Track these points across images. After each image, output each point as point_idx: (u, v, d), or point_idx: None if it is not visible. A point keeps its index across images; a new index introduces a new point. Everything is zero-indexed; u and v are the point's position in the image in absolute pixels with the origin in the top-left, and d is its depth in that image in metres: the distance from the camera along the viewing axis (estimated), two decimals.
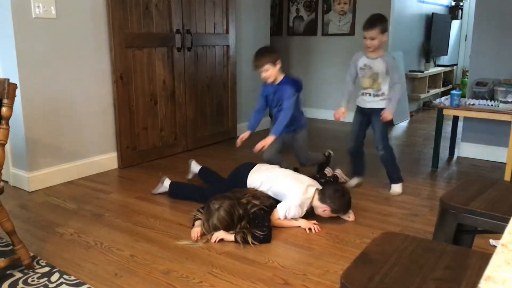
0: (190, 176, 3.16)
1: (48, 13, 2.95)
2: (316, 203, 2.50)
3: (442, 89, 7.01)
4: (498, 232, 1.43)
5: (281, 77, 2.92)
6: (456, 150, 4.01)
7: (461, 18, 7.82)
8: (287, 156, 3.13)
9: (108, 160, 3.49)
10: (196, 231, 2.34)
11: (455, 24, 7.73)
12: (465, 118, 3.80)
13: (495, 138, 3.74)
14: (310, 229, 2.42)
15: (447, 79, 7.33)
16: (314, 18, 5.64)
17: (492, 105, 3.33)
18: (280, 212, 2.44)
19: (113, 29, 3.30)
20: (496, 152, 3.75)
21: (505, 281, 0.56)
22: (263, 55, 2.87)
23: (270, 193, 2.55)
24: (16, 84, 1.85)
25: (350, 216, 2.57)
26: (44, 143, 3.08)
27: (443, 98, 3.75)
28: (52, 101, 3.07)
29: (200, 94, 4.15)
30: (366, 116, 2.97)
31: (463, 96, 3.64)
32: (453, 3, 7.56)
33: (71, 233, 2.41)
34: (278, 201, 2.50)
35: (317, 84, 5.72)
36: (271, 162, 2.87)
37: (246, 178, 2.67)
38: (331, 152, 3.43)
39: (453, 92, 3.45)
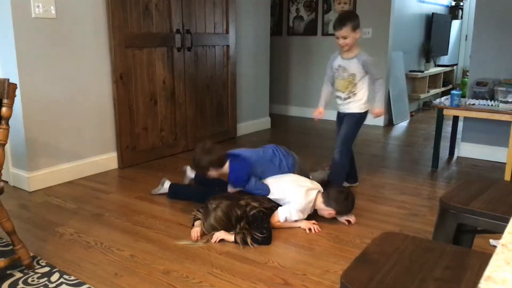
0: (187, 181, 3.13)
1: (48, 13, 2.95)
2: (321, 205, 2.50)
3: (442, 89, 7.01)
4: (498, 232, 1.43)
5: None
6: (456, 150, 4.01)
7: (461, 18, 7.82)
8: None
9: (108, 160, 3.49)
10: (196, 231, 2.34)
11: (455, 24, 7.74)
12: (465, 118, 3.80)
13: (495, 138, 3.74)
14: (310, 229, 2.42)
15: (447, 79, 7.33)
16: (314, 18, 5.64)
17: (492, 105, 3.33)
18: (280, 216, 2.42)
19: (113, 29, 3.30)
20: (496, 152, 3.75)
21: (505, 281, 0.56)
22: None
23: (271, 197, 2.52)
24: (16, 84, 1.85)
25: (351, 219, 2.55)
26: (44, 143, 3.08)
27: (443, 98, 3.75)
28: (52, 101, 3.07)
29: (200, 94, 4.15)
30: (342, 118, 2.96)
31: (463, 96, 3.64)
32: (453, 3, 7.56)
33: (71, 233, 2.41)
34: (278, 204, 2.49)
35: (317, 84, 5.70)
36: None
37: None
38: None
39: (453, 92, 3.45)
